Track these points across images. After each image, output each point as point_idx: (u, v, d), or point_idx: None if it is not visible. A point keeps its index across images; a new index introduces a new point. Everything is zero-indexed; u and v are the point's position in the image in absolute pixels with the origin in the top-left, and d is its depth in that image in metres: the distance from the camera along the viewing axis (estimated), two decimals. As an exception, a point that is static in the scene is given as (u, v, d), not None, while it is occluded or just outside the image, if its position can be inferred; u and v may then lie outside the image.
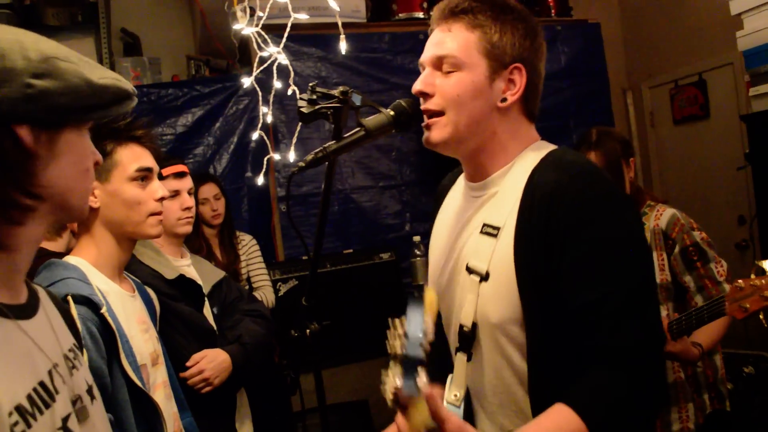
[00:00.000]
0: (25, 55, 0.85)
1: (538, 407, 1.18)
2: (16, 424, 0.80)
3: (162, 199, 1.72)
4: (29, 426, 0.82)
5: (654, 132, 5.32)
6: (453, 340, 1.37)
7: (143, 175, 1.69)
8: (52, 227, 2.25)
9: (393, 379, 0.96)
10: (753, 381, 2.83)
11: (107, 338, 1.46)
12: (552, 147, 1.35)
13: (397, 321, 0.99)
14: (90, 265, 1.61)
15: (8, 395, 0.80)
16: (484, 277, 1.26)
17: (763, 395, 2.80)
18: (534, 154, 1.32)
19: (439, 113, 1.31)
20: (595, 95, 4.53)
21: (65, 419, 0.92)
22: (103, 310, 1.46)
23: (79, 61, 0.92)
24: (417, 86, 1.32)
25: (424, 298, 1.03)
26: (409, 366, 0.94)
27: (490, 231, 1.27)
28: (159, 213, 1.71)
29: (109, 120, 1.67)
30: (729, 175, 4.51)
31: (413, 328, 0.97)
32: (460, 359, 1.32)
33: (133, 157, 1.68)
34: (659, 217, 2.37)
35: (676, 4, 4.95)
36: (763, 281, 1.83)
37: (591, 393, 1.11)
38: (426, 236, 4.11)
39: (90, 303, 1.44)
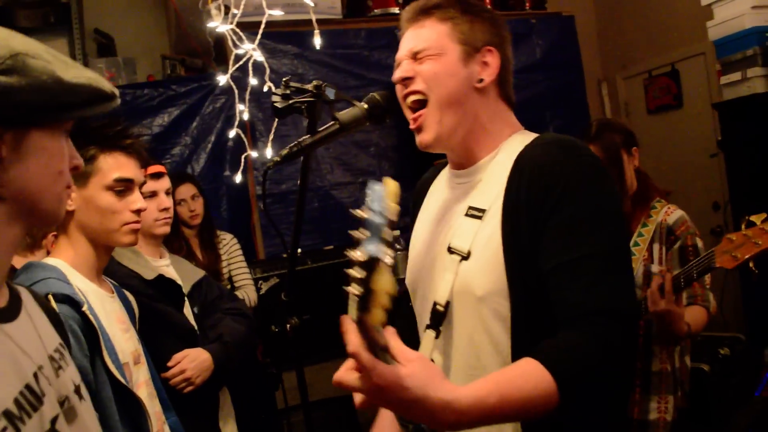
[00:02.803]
0: None
1: None
2: (4, 429, 0.79)
3: (139, 211, 1.70)
4: (18, 430, 0.82)
5: (629, 122, 5.37)
6: (424, 320, 1.38)
7: (122, 186, 1.67)
8: (26, 237, 2.22)
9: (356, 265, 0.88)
10: (729, 362, 2.88)
11: (89, 336, 1.45)
12: (535, 135, 1.38)
13: (358, 211, 0.91)
14: (68, 266, 1.61)
15: None
16: (465, 257, 1.28)
17: (739, 377, 2.85)
18: (520, 139, 1.36)
19: (423, 102, 1.34)
20: (570, 87, 4.57)
21: (53, 421, 0.91)
22: (85, 308, 1.46)
23: (53, 60, 0.89)
24: (397, 74, 1.36)
25: (386, 185, 0.94)
26: (372, 229, 0.87)
27: (475, 213, 1.31)
28: (134, 223, 1.70)
29: (99, 125, 1.66)
30: (702, 163, 4.59)
31: (375, 205, 0.89)
32: (428, 336, 1.34)
33: (115, 165, 1.67)
34: (669, 213, 2.39)
35: (648, -5, 5.01)
36: (755, 231, 1.94)
37: (560, 349, 1.10)
38: (406, 231, 4.11)
39: (71, 301, 1.44)
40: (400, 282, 3.71)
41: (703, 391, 2.73)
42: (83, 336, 1.44)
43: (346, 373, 0.98)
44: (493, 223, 1.27)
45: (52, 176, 0.94)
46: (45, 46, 0.91)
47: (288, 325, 1.50)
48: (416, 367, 0.97)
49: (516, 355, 1.20)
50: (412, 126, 1.38)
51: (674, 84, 4.93)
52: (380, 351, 0.94)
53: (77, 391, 1.03)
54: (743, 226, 1.98)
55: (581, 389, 1.10)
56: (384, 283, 0.83)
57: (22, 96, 0.85)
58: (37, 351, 0.95)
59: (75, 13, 4.20)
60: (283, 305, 1.51)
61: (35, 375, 0.90)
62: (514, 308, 1.22)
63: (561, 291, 1.16)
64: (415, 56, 1.35)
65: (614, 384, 1.16)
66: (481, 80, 1.36)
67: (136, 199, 1.70)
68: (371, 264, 0.84)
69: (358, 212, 0.89)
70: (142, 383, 1.69)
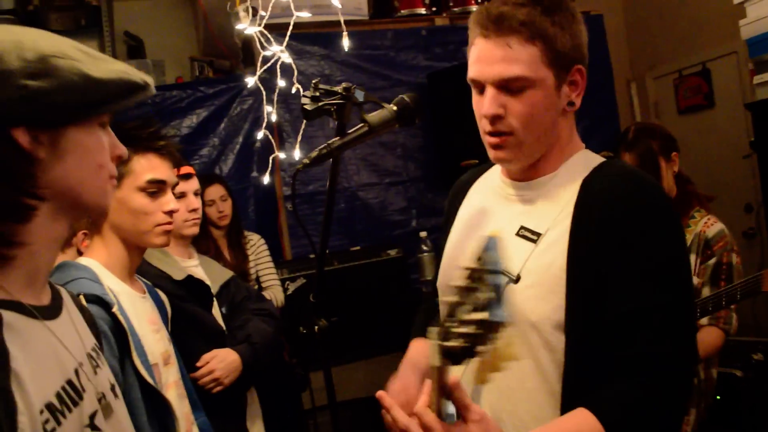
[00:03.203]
0: (22, 56, 0.84)
1: (567, 410, 1.17)
2: (47, 421, 0.82)
3: (171, 212, 1.71)
4: (59, 423, 0.84)
5: (659, 122, 5.30)
6: None
7: (155, 188, 1.68)
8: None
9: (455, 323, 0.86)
10: (762, 368, 2.82)
11: (119, 337, 1.47)
12: (599, 158, 1.33)
13: (470, 263, 0.86)
14: (101, 266, 1.62)
15: (39, 394, 0.82)
16: (514, 280, 1.23)
17: (773, 382, 2.79)
18: (583, 160, 1.31)
19: (506, 133, 1.25)
20: (599, 87, 4.51)
21: (92, 416, 0.94)
22: (115, 309, 1.47)
23: (82, 57, 0.91)
24: (490, 110, 1.23)
25: (498, 239, 0.90)
26: (497, 289, 0.82)
27: (528, 236, 1.25)
28: (167, 224, 1.71)
29: (132, 126, 1.68)
30: (735, 164, 4.50)
31: (494, 261, 0.84)
32: None
33: (148, 167, 1.68)
34: (709, 226, 2.32)
35: (678, -7, 4.94)
36: None
37: (613, 398, 1.11)
38: (432, 231, 4.13)
39: (101, 302, 1.45)
40: (426, 283, 3.69)
41: (735, 397, 2.68)
42: (113, 337, 1.45)
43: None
44: (554, 251, 1.21)
45: (93, 170, 0.95)
46: (73, 43, 0.93)
47: (316, 327, 1.50)
48: (479, 427, 1.00)
49: (567, 389, 1.19)
50: (489, 140, 1.29)
51: (705, 83, 4.84)
52: (444, 399, 0.98)
53: (113, 389, 1.06)
54: None
55: None
56: (505, 351, 0.82)
57: (54, 97, 0.86)
58: (78, 349, 0.97)
59: (105, 16, 4.27)
60: (311, 307, 1.51)
61: (76, 371, 0.93)
62: (569, 341, 1.19)
63: (625, 338, 1.14)
64: (505, 83, 1.22)
65: (668, 425, 1.16)
66: (571, 103, 1.28)
67: (168, 201, 1.71)
68: (495, 327, 0.82)
69: (470, 264, 0.86)
70: (171, 384, 1.70)
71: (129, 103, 0.97)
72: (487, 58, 1.23)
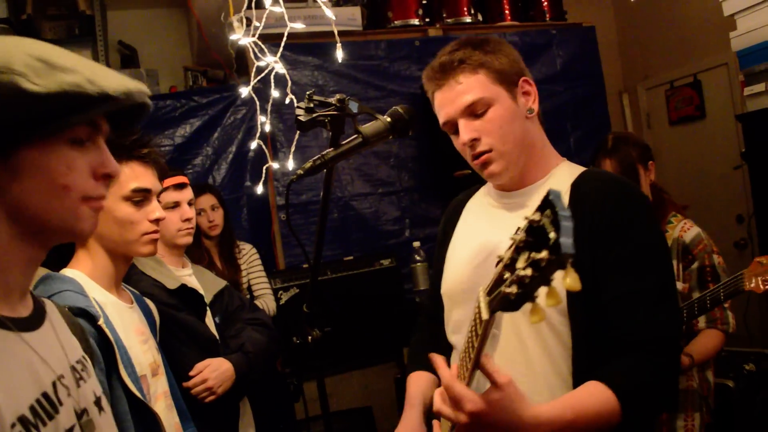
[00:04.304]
0: None
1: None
2: None
3: (157, 220, 1.68)
4: None
5: (651, 133, 5.34)
6: (465, 328, 1.40)
7: (140, 196, 1.65)
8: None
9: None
10: (754, 379, 2.83)
11: (105, 350, 1.44)
12: (582, 167, 1.49)
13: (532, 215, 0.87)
14: (87, 277, 1.59)
15: (11, 406, 0.80)
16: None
17: (764, 393, 2.80)
18: (568, 169, 1.47)
19: (487, 151, 1.41)
20: (591, 98, 4.55)
21: (69, 430, 0.91)
22: (101, 322, 1.45)
23: (31, 70, 0.84)
24: (466, 136, 1.40)
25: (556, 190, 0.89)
26: (565, 229, 0.80)
27: None
28: (153, 232, 1.68)
29: (116, 134, 1.66)
30: (726, 175, 4.53)
31: (564, 209, 0.82)
32: None
33: (132, 176, 1.65)
34: (685, 230, 2.38)
35: (669, 6, 4.98)
36: None
37: (623, 371, 1.24)
38: (426, 241, 4.13)
39: (87, 315, 1.43)
40: (420, 293, 3.69)
41: (728, 408, 2.69)
42: (99, 350, 1.43)
43: (442, 405, 1.13)
44: None
45: (54, 192, 0.89)
46: (31, 51, 0.86)
47: (309, 338, 1.50)
48: (507, 393, 1.08)
49: (577, 369, 1.31)
50: (475, 162, 1.44)
51: (697, 95, 4.89)
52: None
53: (98, 402, 1.03)
54: None
55: (640, 407, 1.24)
56: (572, 280, 0.81)
57: None
58: (59, 361, 0.95)
59: (99, 25, 4.27)
60: (305, 317, 1.51)
61: (54, 384, 0.91)
62: (573, 325, 1.31)
63: (621, 318, 1.29)
64: (469, 110, 1.40)
65: (666, 401, 1.30)
66: (531, 110, 1.44)
67: (154, 209, 1.68)
68: (564, 260, 0.81)
69: (531, 216, 0.87)
70: (160, 395, 1.68)
71: (86, 117, 0.89)
72: (448, 99, 1.42)
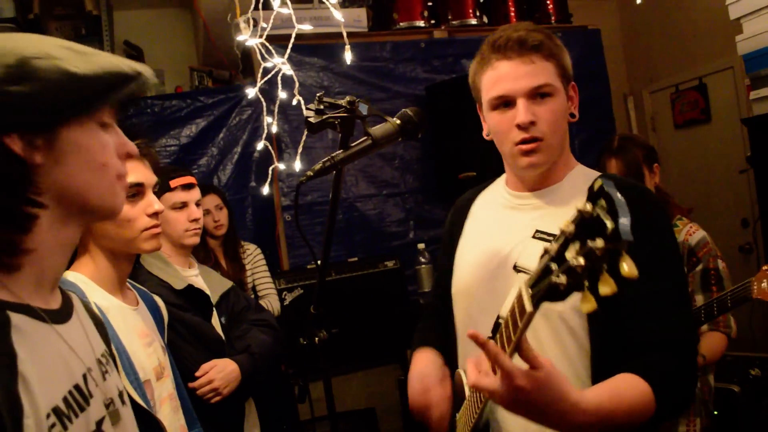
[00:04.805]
0: (2, 62, 0.82)
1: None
2: (53, 426, 0.81)
3: (156, 214, 1.64)
4: (65, 428, 0.83)
5: (656, 136, 5.33)
6: (479, 329, 1.40)
7: (134, 191, 1.61)
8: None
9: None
10: (759, 383, 2.83)
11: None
12: (595, 171, 1.51)
13: (585, 206, 0.88)
14: (89, 280, 1.56)
15: (46, 397, 0.81)
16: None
17: (770, 398, 2.80)
18: (582, 175, 1.48)
19: (539, 139, 1.40)
20: (596, 101, 4.54)
21: (99, 422, 0.93)
22: None
23: (66, 54, 0.88)
24: (526, 117, 1.37)
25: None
26: (621, 207, 0.83)
27: (545, 237, 1.36)
28: (154, 227, 1.63)
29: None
30: (731, 179, 4.53)
31: (623, 203, 0.84)
32: None
33: None
34: (691, 233, 2.38)
35: (675, 9, 4.97)
36: None
37: (654, 364, 1.25)
38: (430, 243, 4.13)
39: None
40: (424, 295, 3.68)
41: (733, 412, 2.69)
42: None
43: (481, 377, 1.08)
44: None
45: (96, 170, 0.93)
46: (59, 42, 0.90)
47: (316, 339, 1.50)
48: (552, 372, 1.07)
49: (596, 371, 1.32)
50: (521, 147, 1.40)
51: (702, 98, 4.88)
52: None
53: (120, 396, 1.05)
54: None
55: (672, 403, 1.24)
56: (629, 267, 0.81)
57: (39, 100, 0.84)
58: (87, 354, 0.96)
59: (105, 25, 4.27)
60: (311, 318, 1.51)
61: (84, 376, 0.92)
62: (591, 326, 1.32)
63: (641, 320, 1.30)
64: (534, 92, 1.38)
65: (689, 401, 1.35)
66: (573, 115, 1.47)
67: (151, 203, 1.63)
68: (623, 247, 0.82)
69: (585, 207, 0.87)
70: (165, 398, 1.64)
71: (123, 93, 0.93)
72: (514, 74, 1.39)
